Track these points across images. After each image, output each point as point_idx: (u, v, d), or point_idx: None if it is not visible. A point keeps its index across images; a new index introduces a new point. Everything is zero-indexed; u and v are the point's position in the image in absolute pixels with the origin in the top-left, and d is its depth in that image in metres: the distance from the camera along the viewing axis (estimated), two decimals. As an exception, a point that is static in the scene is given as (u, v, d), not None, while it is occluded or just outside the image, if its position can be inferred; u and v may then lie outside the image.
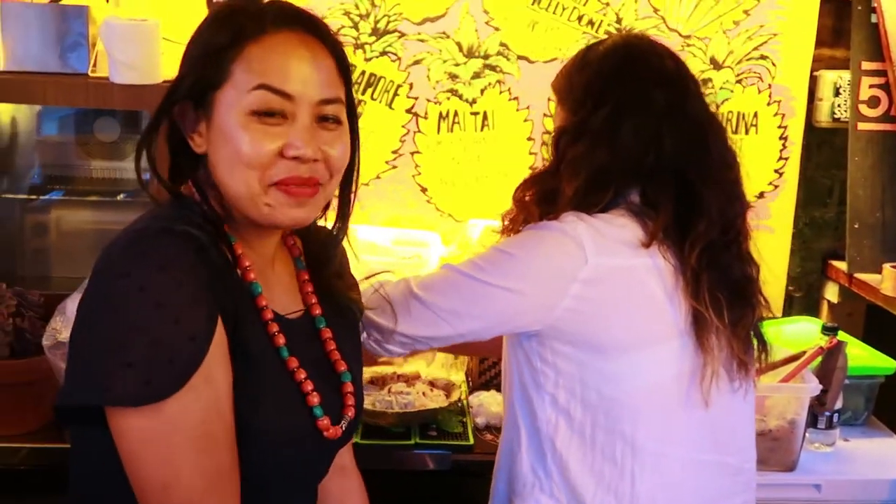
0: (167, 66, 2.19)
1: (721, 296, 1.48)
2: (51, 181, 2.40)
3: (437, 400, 2.04)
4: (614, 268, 1.45)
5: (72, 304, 1.80)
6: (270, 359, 1.16)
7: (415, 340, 1.56)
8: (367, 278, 1.53)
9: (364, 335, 1.58)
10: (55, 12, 2.16)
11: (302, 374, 1.19)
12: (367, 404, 1.98)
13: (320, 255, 1.32)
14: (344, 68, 1.19)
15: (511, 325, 1.52)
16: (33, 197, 2.35)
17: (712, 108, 1.63)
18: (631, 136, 1.50)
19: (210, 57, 1.12)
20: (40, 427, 1.93)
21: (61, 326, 1.77)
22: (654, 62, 1.57)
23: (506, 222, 1.63)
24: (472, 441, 1.97)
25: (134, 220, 1.16)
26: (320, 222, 1.30)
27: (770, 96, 2.69)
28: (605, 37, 1.68)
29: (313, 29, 1.17)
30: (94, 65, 2.17)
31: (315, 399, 1.19)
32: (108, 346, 1.01)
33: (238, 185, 1.13)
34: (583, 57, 1.62)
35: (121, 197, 2.36)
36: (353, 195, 1.27)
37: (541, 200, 1.57)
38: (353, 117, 1.22)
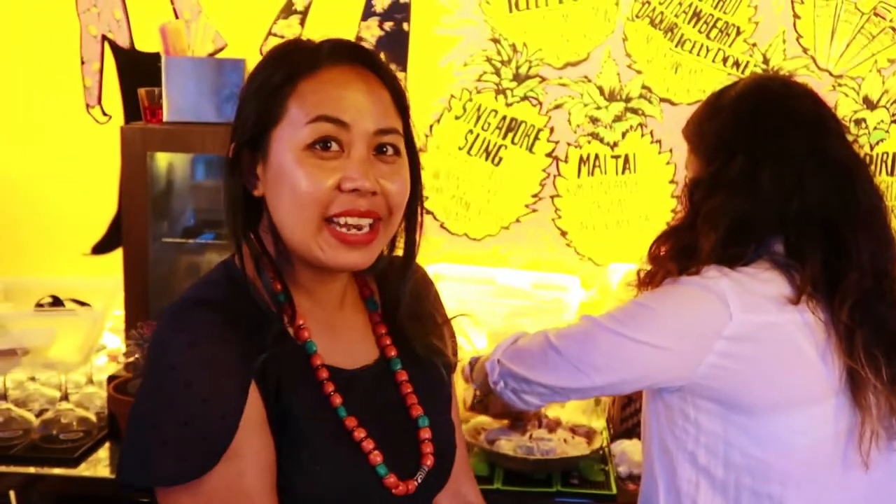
0: (316, 115, 2.26)
1: (878, 352, 1.40)
2: (204, 225, 2.50)
3: (578, 447, 2.01)
4: (761, 324, 1.39)
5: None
6: (324, 420, 1.12)
7: (553, 391, 1.53)
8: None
9: (501, 384, 1.57)
10: (213, 65, 2.28)
11: (361, 433, 1.13)
12: (507, 450, 1.97)
13: (393, 296, 1.26)
14: (400, 101, 1.17)
15: (652, 381, 1.48)
16: (188, 240, 2.45)
17: (866, 149, 1.56)
18: (770, 183, 1.44)
19: (265, 96, 1.11)
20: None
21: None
22: (790, 104, 1.51)
23: (642, 276, 1.57)
24: (614, 490, 1.93)
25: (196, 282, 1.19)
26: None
27: (929, 136, 2.57)
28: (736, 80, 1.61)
29: (368, 62, 1.15)
30: (248, 114, 2.26)
31: (377, 458, 1.13)
32: (146, 426, 1.04)
33: (295, 226, 1.10)
34: (714, 102, 1.57)
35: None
36: (418, 230, 1.22)
37: (678, 255, 1.51)
38: (412, 150, 1.19)
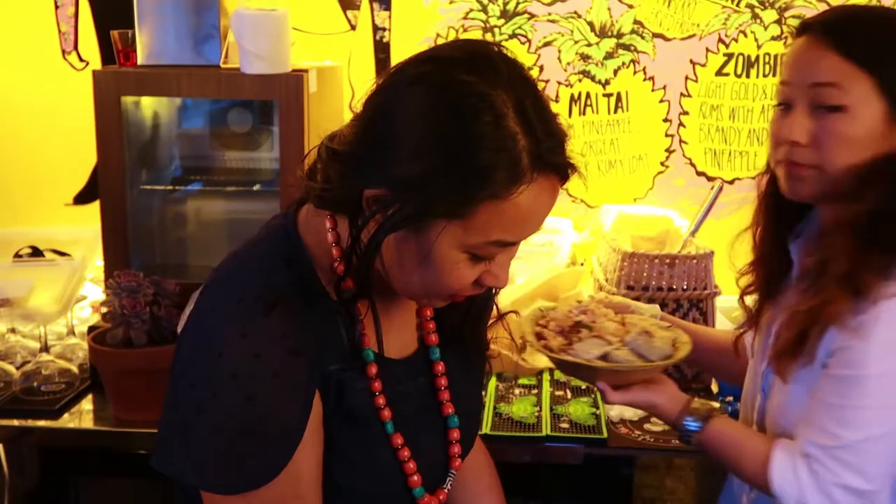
0: (296, 56, 2.20)
1: None
2: (189, 172, 2.45)
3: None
4: None
5: (205, 293, 1.82)
6: (376, 431, 1.10)
7: None
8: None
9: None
10: (188, 5, 2.19)
11: (406, 453, 1.12)
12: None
13: None
14: None
15: None
16: (171, 188, 2.40)
17: None
18: None
19: (461, 189, 0.95)
20: (177, 413, 1.96)
21: (195, 314, 1.79)
22: None
23: (798, 320, 1.29)
24: (605, 434, 1.90)
25: (247, 242, 1.11)
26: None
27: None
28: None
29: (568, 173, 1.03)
30: (226, 56, 2.20)
31: (416, 480, 1.13)
32: (204, 426, 0.98)
33: (413, 291, 1.06)
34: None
35: (256, 187, 2.39)
36: None
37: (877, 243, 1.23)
38: None
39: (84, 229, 2.28)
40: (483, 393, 1.33)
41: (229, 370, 0.97)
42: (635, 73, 2.54)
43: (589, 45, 2.54)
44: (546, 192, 0.99)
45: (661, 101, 2.55)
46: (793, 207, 1.39)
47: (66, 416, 1.99)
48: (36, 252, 2.21)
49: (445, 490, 1.19)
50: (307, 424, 1.01)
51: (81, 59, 2.61)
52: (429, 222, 0.97)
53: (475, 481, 1.37)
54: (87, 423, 1.99)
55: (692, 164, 2.59)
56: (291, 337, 1.00)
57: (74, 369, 2.08)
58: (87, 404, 2.04)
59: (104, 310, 1.98)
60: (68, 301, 2.09)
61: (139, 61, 2.19)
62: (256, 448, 0.98)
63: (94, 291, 2.41)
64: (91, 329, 2.03)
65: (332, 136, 1.07)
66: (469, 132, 0.95)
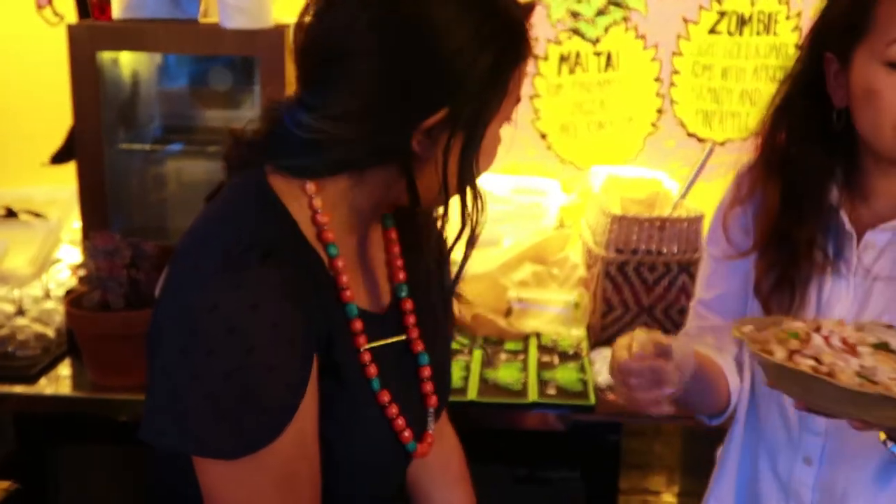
0: (278, 10, 2.13)
1: None
2: (168, 132, 2.39)
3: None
4: None
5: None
6: (363, 389, 1.07)
7: None
8: None
9: None
10: (166, -42, 2.12)
11: (394, 410, 1.09)
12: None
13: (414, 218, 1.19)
14: None
15: None
16: (150, 147, 2.34)
17: None
18: None
19: (507, 66, 1.00)
20: (156, 378, 1.92)
21: (173, 278, 1.75)
22: None
23: None
24: (593, 401, 1.87)
25: (217, 202, 1.06)
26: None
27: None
28: None
29: None
30: (205, 10, 2.13)
31: (408, 435, 1.11)
32: (198, 391, 0.92)
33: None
34: None
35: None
36: None
37: None
38: None
39: (61, 190, 2.22)
40: (453, 335, 1.32)
41: (226, 324, 0.91)
42: (626, 30, 2.49)
43: (579, 1, 2.47)
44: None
45: (653, 59, 2.50)
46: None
47: (42, 381, 1.95)
48: (10, 213, 2.16)
49: (430, 433, 1.17)
50: (309, 381, 0.97)
51: (56, 14, 2.53)
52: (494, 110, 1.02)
53: (443, 472, 1.34)
54: (65, 388, 1.95)
55: (683, 125, 2.54)
56: (288, 287, 0.95)
57: (51, 334, 2.03)
58: (64, 370, 2.00)
59: (81, 272, 1.94)
60: (43, 263, 2.05)
61: (114, 15, 2.12)
62: (259, 406, 0.93)
63: (72, 254, 2.36)
64: (68, 292, 1.98)
65: (305, 105, 1.01)
66: (485, 16, 0.98)
